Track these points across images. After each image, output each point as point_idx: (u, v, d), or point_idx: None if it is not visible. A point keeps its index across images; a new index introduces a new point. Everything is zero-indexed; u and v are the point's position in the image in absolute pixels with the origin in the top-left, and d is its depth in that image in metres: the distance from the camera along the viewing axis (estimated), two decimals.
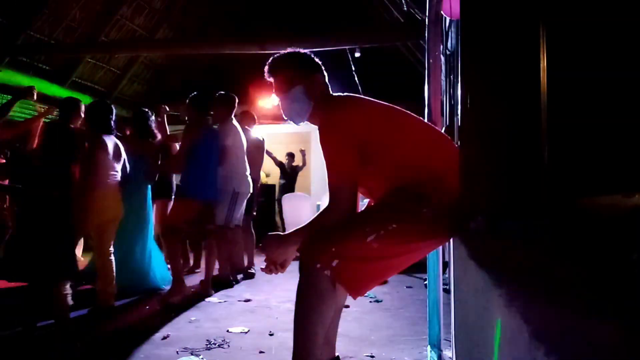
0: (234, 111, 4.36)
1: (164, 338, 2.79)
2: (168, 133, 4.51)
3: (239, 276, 4.62)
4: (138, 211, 4.04)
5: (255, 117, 5.20)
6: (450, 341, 2.24)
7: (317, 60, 1.82)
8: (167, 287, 3.95)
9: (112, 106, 3.60)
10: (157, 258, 4.19)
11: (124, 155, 3.55)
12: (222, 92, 4.36)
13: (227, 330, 2.95)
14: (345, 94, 1.79)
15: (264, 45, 5.56)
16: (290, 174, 7.96)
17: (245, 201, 4.40)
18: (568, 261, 0.94)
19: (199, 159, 3.87)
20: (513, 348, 0.64)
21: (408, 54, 7.43)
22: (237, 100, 4.39)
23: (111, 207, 3.40)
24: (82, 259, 4.22)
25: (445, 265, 3.02)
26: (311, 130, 7.24)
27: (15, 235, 2.89)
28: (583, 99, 1.09)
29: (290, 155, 8.10)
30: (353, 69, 7.09)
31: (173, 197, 4.74)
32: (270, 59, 1.81)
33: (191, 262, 5.13)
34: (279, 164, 7.84)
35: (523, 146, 1.15)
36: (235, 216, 4.25)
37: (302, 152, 7.87)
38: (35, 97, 3.86)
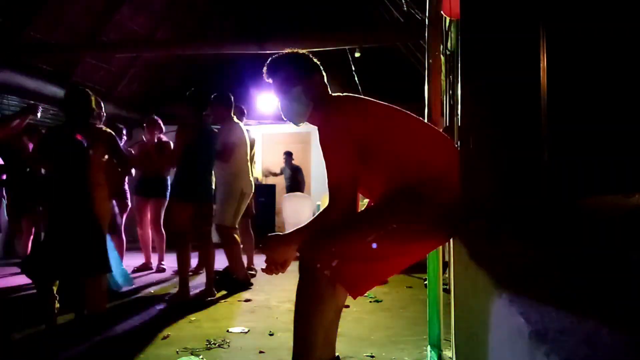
0: (232, 110, 4.34)
1: (164, 338, 2.79)
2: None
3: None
4: None
5: (245, 111, 5.13)
6: (450, 341, 2.23)
7: (316, 60, 1.82)
8: (127, 288, 3.91)
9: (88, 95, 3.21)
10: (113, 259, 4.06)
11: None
12: (217, 93, 4.34)
13: (227, 330, 2.95)
14: (344, 94, 1.78)
15: (264, 45, 5.55)
16: (290, 174, 7.94)
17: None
18: (568, 261, 0.94)
19: (194, 159, 3.81)
20: (513, 348, 0.64)
21: (408, 54, 7.43)
22: (232, 99, 4.37)
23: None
24: None
25: (445, 265, 3.02)
26: (311, 130, 7.23)
27: (46, 234, 2.94)
28: (583, 99, 1.09)
29: (288, 154, 8.05)
30: (353, 69, 7.08)
31: (167, 197, 4.74)
32: (269, 59, 1.81)
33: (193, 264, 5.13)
34: (282, 171, 7.87)
35: (523, 146, 1.15)
36: (240, 216, 4.25)
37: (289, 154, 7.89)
38: (38, 116, 3.80)
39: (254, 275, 4.77)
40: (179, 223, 3.83)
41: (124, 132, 5.03)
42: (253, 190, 4.42)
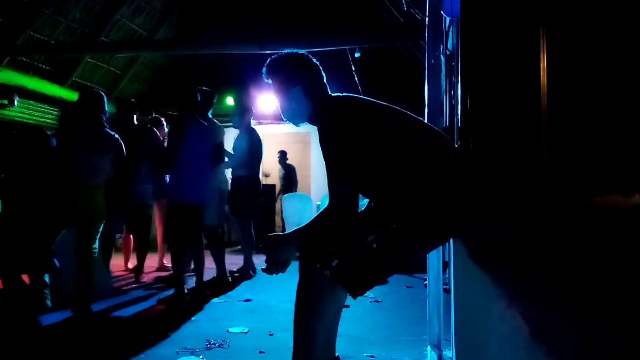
0: (212, 107, 4.29)
1: (164, 338, 2.79)
2: None
3: (236, 274, 4.63)
4: None
5: (249, 109, 5.11)
6: (450, 341, 2.23)
7: (315, 60, 1.82)
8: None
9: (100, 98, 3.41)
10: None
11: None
12: (202, 88, 4.25)
13: (227, 330, 2.95)
14: (344, 94, 1.78)
15: (264, 45, 5.55)
16: (284, 173, 7.95)
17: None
18: (568, 261, 0.94)
19: (186, 157, 3.74)
20: (513, 348, 0.64)
21: (408, 54, 7.42)
22: (215, 96, 4.34)
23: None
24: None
25: (445, 265, 3.02)
26: (311, 130, 7.22)
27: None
28: (583, 99, 1.09)
29: (282, 153, 8.03)
30: (353, 69, 7.08)
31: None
32: (269, 59, 1.81)
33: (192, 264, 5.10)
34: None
35: (523, 146, 1.15)
36: (223, 215, 4.28)
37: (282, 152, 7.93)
38: (15, 104, 3.79)
39: (251, 276, 4.75)
40: (174, 224, 3.79)
41: (164, 124, 5.00)
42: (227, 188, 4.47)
